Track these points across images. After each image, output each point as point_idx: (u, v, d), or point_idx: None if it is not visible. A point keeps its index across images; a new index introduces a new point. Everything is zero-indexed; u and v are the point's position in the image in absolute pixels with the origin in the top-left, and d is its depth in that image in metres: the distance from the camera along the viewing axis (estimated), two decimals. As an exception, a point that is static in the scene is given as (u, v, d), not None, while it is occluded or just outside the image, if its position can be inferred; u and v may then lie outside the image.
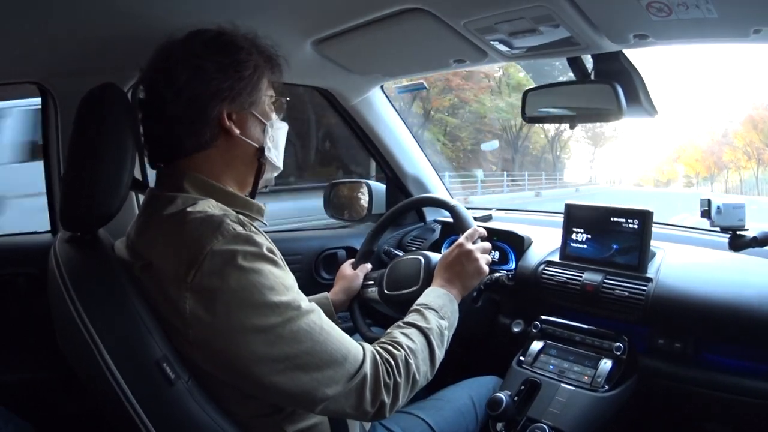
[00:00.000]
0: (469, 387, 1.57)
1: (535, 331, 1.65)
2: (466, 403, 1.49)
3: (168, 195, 1.03)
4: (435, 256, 1.49)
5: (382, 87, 2.15)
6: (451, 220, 1.59)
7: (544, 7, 1.19)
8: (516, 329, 1.71)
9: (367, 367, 1.00)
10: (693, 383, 1.41)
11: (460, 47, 1.48)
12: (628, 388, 1.46)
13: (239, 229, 0.95)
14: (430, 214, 2.37)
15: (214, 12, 1.14)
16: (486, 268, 1.38)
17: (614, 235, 1.63)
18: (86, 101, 1.08)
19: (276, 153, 1.18)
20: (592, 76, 1.50)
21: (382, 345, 1.09)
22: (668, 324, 1.47)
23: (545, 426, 1.35)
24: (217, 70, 1.04)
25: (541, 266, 1.73)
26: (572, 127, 1.57)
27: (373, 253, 1.79)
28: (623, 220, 1.61)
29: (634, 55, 1.43)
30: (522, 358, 1.60)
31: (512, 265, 1.86)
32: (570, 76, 1.54)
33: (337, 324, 1.06)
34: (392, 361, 1.05)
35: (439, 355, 1.17)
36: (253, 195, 1.18)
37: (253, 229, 1.00)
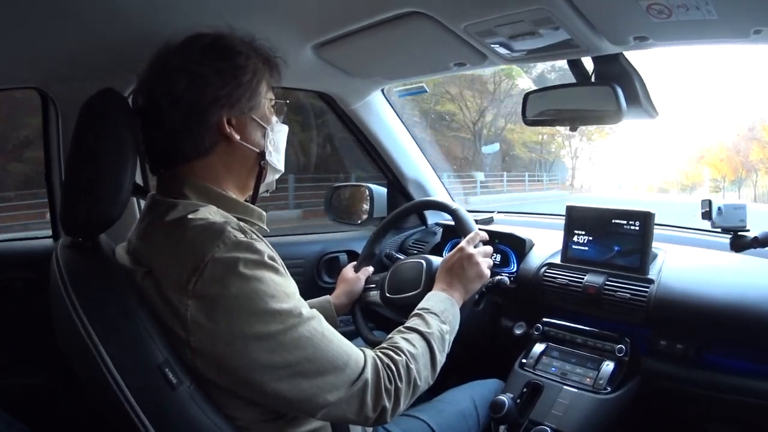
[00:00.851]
0: (471, 390, 1.57)
1: (537, 333, 1.65)
2: (468, 406, 1.49)
3: (169, 201, 1.03)
4: (436, 260, 1.49)
5: (382, 90, 2.15)
6: (452, 223, 1.59)
7: (543, 10, 1.19)
8: (518, 332, 1.71)
9: (368, 373, 1.00)
10: (695, 385, 1.41)
11: (460, 50, 1.48)
12: (631, 390, 1.46)
13: (240, 236, 0.95)
14: (432, 218, 2.37)
15: (213, 16, 1.14)
16: (487, 272, 1.38)
17: (616, 237, 1.63)
18: (87, 107, 1.07)
19: (277, 156, 1.18)
20: (593, 78, 1.50)
21: (383, 350, 1.09)
22: (670, 325, 1.46)
23: (548, 428, 1.35)
24: (216, 76, 1.04)
25: (543, 268, 1.73)
26: (573, 129, 1.57)
27: (375, 256, 1.79)
28: (624, 222, 1.61)
29: (635, 56, 1.43)
30: (524, 361, 1.60)
31: (514, 268, 1.86)
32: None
33: (339, 328, 1.06)
34: (393, 367, 1.05)
35: (441, 359, 1.17)
36: (254, 200, 1.18)
37: (254, 236, 0.99)
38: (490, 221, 2.24)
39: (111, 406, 0.93)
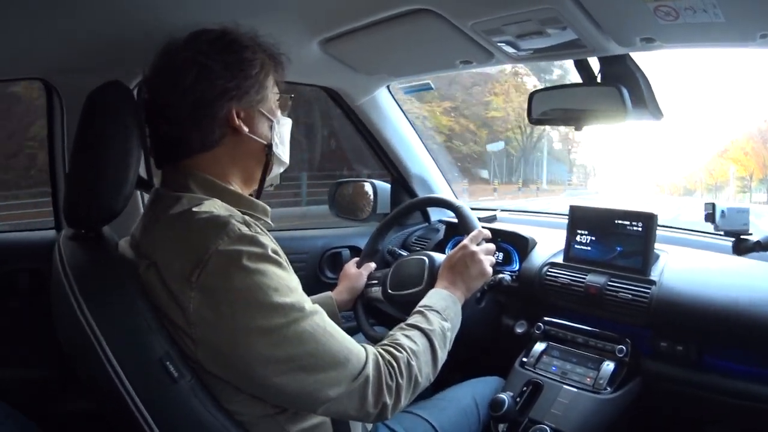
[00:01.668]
0: (472, 387, 1.57)
1: (538, 332, 1.65)
2: (469, 404, 1.49)
3: (173, 194, 1.03)
4: (439, 257, 1.49)
5: (388, 87, 2.15)
6: (455, 220, 1.59)
7: (551, 9, 1.19)
8: (519, 330, 1.71)
9: (370, 369, 1.00)
10: (696, 387, 1.41)
11: (466, 48, 1.48)
12: (631, 391, 1.46)
13: (244, 229, 0.95)
14: (435, 215, 2.36)
15: (220, 11, 1.14)
16: (490, 270, 1.38)
17: (618, 237, 1.62)
18: (92, 98, 1.07)
19: (283, 149, 1.19)
20: (599, 79, 1.50)
21: (384, 347, 1.09)
22: (671, 327, 1.46)
23: (547, 427, 1.35)
24: (224, 69, 1.04)
25: (545, 268, 1.72)
26: (578, 129, 1.57)
27: (378, 252, 1.79)
28: (627, 222, 1.61)
29: (642, 58, 1.43)
30: (525, 360, 1.61)
31: (516, 267, 1.86)
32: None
33: (340, 323, 1.06)
34: (394, 363, 1.05)
35: (442, 356, 1.17)
36: (259, 194, 1.18)
37: (258, 230, 1.00)
38: (493, 219, 2.24)
39: (111, 399, 0.94)
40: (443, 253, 1.52)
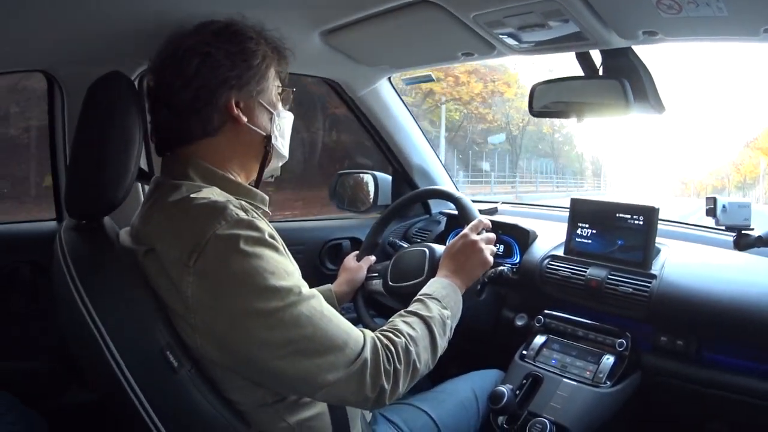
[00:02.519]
0: (471, 380, 1.58)
1: (538, 325, 1.66)
2: (468, 396, 1.50)
3: (173, 183, 1.04)
4: (439, 248, 1.50)
5: (389, 78, 2.14)
6: (456, 212, 1.59)
7: (553, 2, 1.18)
8: (519, 323, 1.72)
9: (368, 353, 1.00)
10: (695, 382, 1.42)
11: (468, 40, 1.47)
12: (630, 385, 1.47)
13: (242, 214, 0.96)
14: (436, 206, 2.37)
15: (223, 2, 1.14)
16: (490, 259, 1.38)
17: (619, 231, 1.63)
18: (93, 89, 1.08)
19: (282, 141, 1.19)
20: (601, 72, 1.50)
21: (382, 332, 1.09)
22: (671, 322, 1.47)
23: (546, 421, 1.36)
24: (226, 58, 1.05)
25: (546, 260, 1.73)
26: (579, 121, 1.56)
27: (378, 245, 1.79)
28: (628, 216, 1.61)
29: (645, 51, 1.43)
30: (525, 352, 1.61)
31: (517, 259, 1.86)
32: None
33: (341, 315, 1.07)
34: (392, 348, 1.05)
35: (441, 344, 1.17)
36: (257, 184, 1.19)
37: (256, 215, 1.01)
38: (494, 212, 2.24)
39: (112, 389, 0.94)
40: (444, 244, 1.52)
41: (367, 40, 1.61)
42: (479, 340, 1.81)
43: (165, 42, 1.08)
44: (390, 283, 1.55)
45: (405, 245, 1.76)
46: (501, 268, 1.64)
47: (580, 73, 1.54)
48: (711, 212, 1.42)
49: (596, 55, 1.49)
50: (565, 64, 1.61)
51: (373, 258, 1.71)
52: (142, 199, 1.53)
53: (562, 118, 1.62)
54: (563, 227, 1.76)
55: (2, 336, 1.61)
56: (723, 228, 1.46)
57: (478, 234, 1.40)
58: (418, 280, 1.46)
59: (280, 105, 1.18)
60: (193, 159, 1.07)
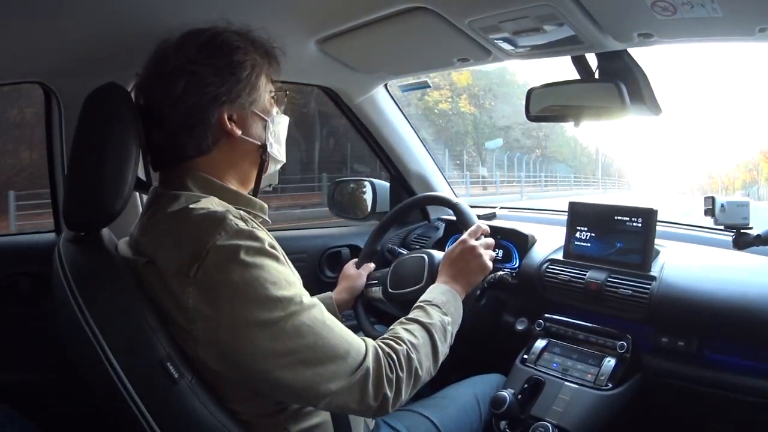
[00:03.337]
0: (473, 385, 1.57)
1: (538, 329, 1.65)
2: (470, 401, 1.50)
3: (171, 193, 1.04)
4: (438, 254, 1.49)
5: (386, 85, 2.15)
6: (454, 218, 1.59)
7: (548, 6, 1.19)
8: (520, 327, 1.72)
9: (370, 362, 1.00)
10: (696, 382, 1.41)
11: (464, 46, 1.48)
12: (632, 387, 1.47)
13: (241, 224, 0.96)
14: (434, 213, 2.36)
15: (216, 11, 1.14)
16: (490, 264, 1.38)
17: (618, 233, 1.63)
18: (90, 101, 1.07)
19: (278, 147, 1.19)
20: (596, 75, 1.50)
21: (384, 340, 1.09)
22: (672, 322, 1.47)
23: (549, 424, 1.35)
24: (214, 75, 1.04)
25: (545, 264, 1.73)
26: (576, 125, 1.56)
27: (377, 252, 1.79)
28: (627, 218, 1.61)
29: (640, 53, 1.43)
30: (525, 356, 1.61)
31: (516, 263, 1.86)
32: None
33: (341, 322, 1.06)
34: (394, 356, 1.05)
35: (443, 350, 1.17)
36: (255, 192, 1.19)
37: (255, 225, 1.01)
38: (492, 217, 2.24)
39: (113, 402, 0.94)
40: (443, 251, 1.52)
41: (363, 48, 1.62)
42: (480, 345, 1.81)
43: (150, 59, 1.08)
44: (390, 290, 1.54)
45: (404, 252, 1.76)
46: (500, 272, 1.64)
47: (576, 76, 1.54)
48: (709, 212, 1.42)
49: (592, 59, 1.49)
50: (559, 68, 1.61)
51: (372, 265, 1.71)
52: (141, 208, 1.53)
53: (559, 122, 1.62)
54: (562, 231, 1.76)
55: (2, 348, 1.61)
56: (722, 228, 1.46)
57: (477, 239, 1.40)
58: (417, 287, 1.45)
59: (274, 110, 1.17)
60: (190, 171, 1.07)
